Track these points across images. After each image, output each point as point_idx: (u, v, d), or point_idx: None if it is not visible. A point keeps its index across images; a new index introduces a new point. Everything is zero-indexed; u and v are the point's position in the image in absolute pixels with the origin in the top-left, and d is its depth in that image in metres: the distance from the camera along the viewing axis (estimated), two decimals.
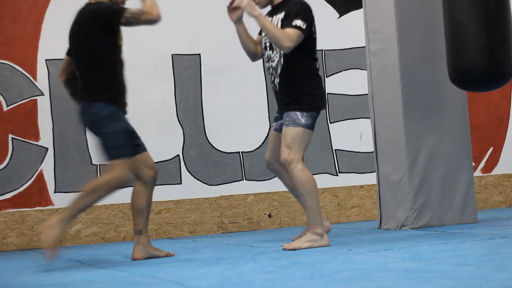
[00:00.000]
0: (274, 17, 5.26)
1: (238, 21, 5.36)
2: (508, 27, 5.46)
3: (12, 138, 6.90)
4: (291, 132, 5.08)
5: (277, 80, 5.25)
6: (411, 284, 3.12)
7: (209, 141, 7.34)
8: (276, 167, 5.53)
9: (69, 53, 5.19)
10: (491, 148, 8.17)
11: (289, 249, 4.92)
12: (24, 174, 6.91)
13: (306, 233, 5.30)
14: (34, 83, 6.98)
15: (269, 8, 5.38)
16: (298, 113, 5.11)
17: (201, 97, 7.33)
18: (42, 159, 6.94)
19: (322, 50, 7.68)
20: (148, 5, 4.81)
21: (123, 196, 7.08)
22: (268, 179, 7.21)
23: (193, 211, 7.21)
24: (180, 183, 7.21)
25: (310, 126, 5.14)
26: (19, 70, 6.96)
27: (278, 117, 5.44)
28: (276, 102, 5.41)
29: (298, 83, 5.18)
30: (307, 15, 5.14)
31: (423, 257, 4.03)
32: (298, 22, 5.07)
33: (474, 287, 2.93)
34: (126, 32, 7.40)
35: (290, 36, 5.04)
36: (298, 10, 5.11)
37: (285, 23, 5.11)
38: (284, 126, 5.14)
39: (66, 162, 6.99)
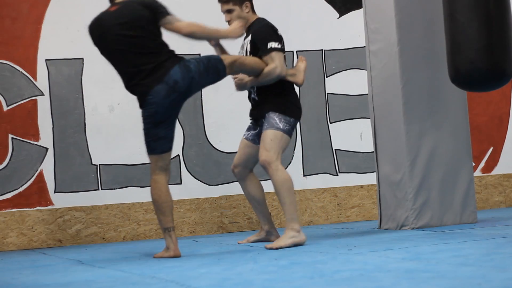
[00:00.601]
0: (245, 39, 5.53)
1: (216, 47, 5.68)
2: (509, 28, 5.45)
3: (12, 138, 6.90)
4: (269, 134, 5.30)
5: (254, 94, 5.53)
6: (411, 284, 3.12)
7: (209, 141, 7.34)
8: (241, 173, 5.71)
9: None
10: (491, 148, 8.17)
11: (274, 248, 5.02)
12: (24, 174, 6.91)
13: (263, 234, 5.71)
14: (34, 83, 6.98)
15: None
16: (276, 117, 5.34)
17: (201, 97, 7.33)
18: (42, 159, 6.94)
19: (322, 50, 7.68)
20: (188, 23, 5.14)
21: (123, 196, 7.10)
22: (268, 179, 7.20)
23: (193, 211, 7.21)
24: (180, 183, 7.21)
25: (288, 132, 5.36)
26: (19, 70, 6.96)
27: (251, 127, 5.69)
28: (251, 114, 5.65)
29: (280, 94, 5.44)
30: (276, 34, 5.42)
31: (423, 257, 4.03)
32: (273, 44, 5.36)
33: (474, 287, 2.93)
34: None
35: (274, 64, 5.32)
36: (266, 33, 5.40)
37: (260, 50, 5.38)
38: (263, 130, 5.35)
39: (66, 162, 6.99)
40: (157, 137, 5.06)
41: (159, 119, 5.02)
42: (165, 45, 5.14)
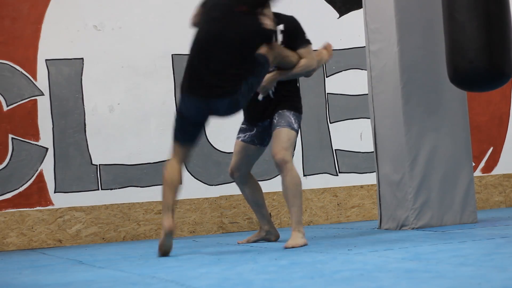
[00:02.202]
0: None
1: None
2: (508, 27, 5.45)
3: (12, 138, 6.90)
4: (287, 133, 5.29)
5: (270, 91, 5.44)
6: (411, 284, 3.12)
7: (209, 141, 7.34)
8: (241, 176, 5.66)
9: None
10: (491, 148, 8.17)
11: (290, 247, 5.02)
12: (24, 174, 6.91)
13: (260, 234, 5.73)
14: (34, 83, 6.98)
15: None
16: (292, 116, 5.32)
17: None
18: (42, 159, 6.94)
19: None
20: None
21: (123, 196, 7.10)
22: (268, 179, 7.21)
23: (193, 211, 7.21)
24: (180, 183, 7.20)
25: (298, 132, 5.40)
26: (19, 70, 6.96)
27: (246, 129, 5.61)
28: (249, 114, 5.53)
29: (293, 90, 5.45)
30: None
31: (423, 257, 4.03)
32: (308, 37, 5.42)
33: (474, 287, 2.93)
34: (126, 32, 7.42)
35: (311, 58, 5.39)
36: (300, 27, 5.43)
37: (296, 41, 5.35)
38: (278, 127, 5.31)
39: (66, 162, 6.99)
40: (181, 127, 5.11)
41: (187, 116, 5.07)
42: (243, 68, 4.96)
